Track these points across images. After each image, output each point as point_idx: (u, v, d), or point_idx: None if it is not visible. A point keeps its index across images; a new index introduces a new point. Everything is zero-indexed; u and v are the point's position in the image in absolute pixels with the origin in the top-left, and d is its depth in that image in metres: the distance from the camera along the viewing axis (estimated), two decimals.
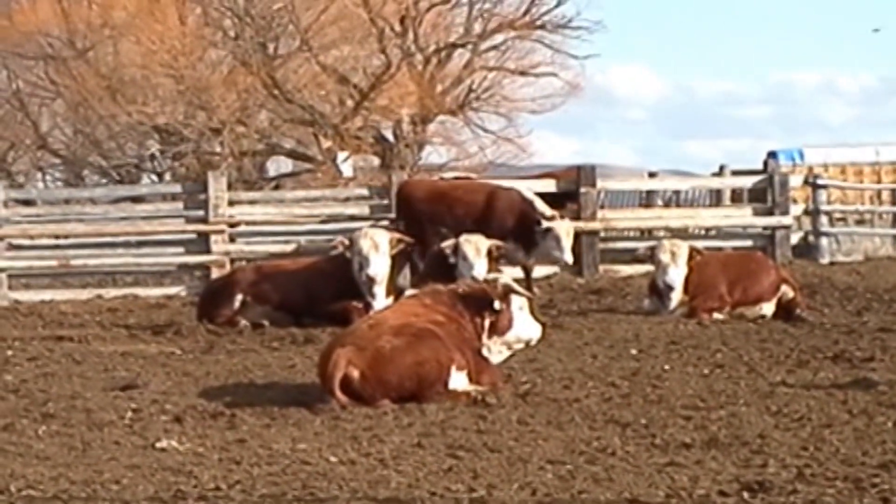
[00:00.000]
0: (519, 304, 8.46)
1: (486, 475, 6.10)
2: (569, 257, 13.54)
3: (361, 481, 6.01)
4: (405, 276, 13.50)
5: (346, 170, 25.35)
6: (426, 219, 14.20)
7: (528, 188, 14.85)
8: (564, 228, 13.52)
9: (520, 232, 13.71)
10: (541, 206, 13.85)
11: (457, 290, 8.46)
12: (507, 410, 7.60)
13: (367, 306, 11.61)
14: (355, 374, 7.68)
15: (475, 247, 12.11)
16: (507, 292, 8.37)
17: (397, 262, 12.34)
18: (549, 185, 15.97)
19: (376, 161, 25.79)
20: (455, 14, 26.58)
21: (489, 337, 8.29)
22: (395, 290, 11.88)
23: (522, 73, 26.46)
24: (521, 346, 8.57)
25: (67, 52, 28.15)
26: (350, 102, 25.49)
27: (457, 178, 18.43)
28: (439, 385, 7.81)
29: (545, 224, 13.44)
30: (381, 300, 11.70)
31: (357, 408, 7.59)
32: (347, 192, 18.19)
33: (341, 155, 25.19)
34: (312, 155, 26.30)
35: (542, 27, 26.03)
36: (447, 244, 12.32)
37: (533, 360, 9.20)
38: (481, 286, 8.51)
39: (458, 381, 7.92)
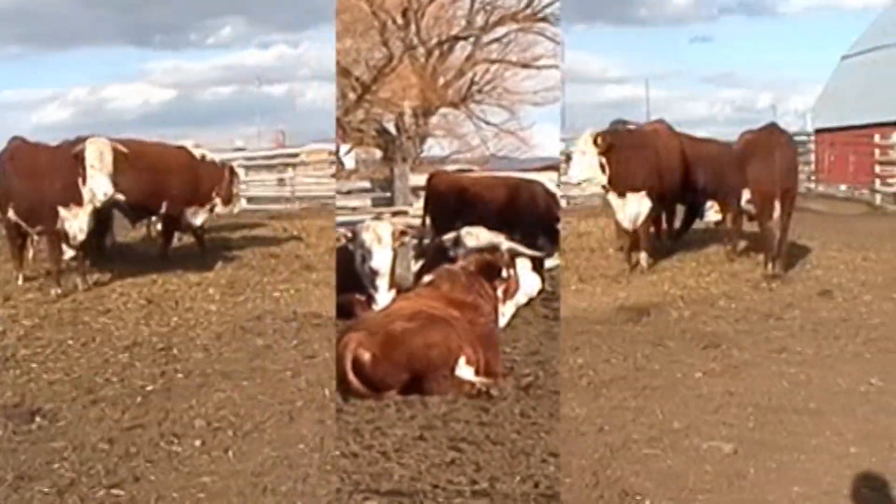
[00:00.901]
0: (521, 264, 8.54)
1: (489, 468, 6.11)
2: None
3: (364, 474, 6.02)
4: (409, 268, 13.46)
5: (349, 162, 25.31)
6: (450, 213, 14.11)
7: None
8: None
9: (545, 226, 13.63)
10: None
11: (468, 267, 8.47)
12: (509, 403, 7.61)
13: (370, 299, 11.62)
14: (366, 356, 7.66)
15: (476, 239, 12.07)
16: (512, 257, 8.43)
17: (399, 254, 12.32)
18: (552, 178, 15.91)
19: (378, 154, 25.75)
20: (457, 6, 26.49)
21: (503, 303, 8.36)
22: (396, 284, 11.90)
23: (525, 66, 26.38)
24: (525, 300, 8.66)
25: None
26: (352, 95, 25.41)
27: (460, 171, 18.39)
28: (445, 370, 7.80)
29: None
30: (384, 293, 11.69)
31: (360, 400, 7.60)
32: (350, 185, 18.17)
33: (343, 147, 25.15)
34: None
35: (544, 19, 25.99)
36: (447, 237, 12.29)
37: (535, 352, 9.21)
38: (486, 258, 8.52)
39: (466, 373, 7.93)
